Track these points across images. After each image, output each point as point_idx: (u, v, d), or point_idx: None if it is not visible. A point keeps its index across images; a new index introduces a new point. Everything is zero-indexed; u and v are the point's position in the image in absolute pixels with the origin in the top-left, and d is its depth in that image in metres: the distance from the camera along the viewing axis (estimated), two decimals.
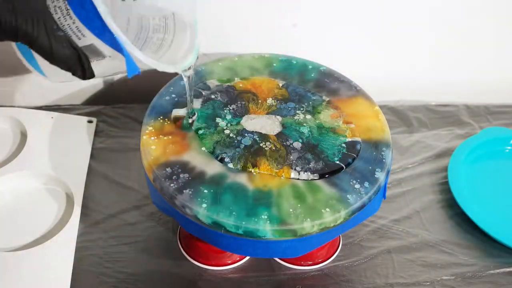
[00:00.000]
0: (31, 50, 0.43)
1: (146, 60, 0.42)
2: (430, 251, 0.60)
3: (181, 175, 0.49)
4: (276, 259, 0.58)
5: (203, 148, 0.51)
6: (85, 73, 0.44)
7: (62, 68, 0.43)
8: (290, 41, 0.75)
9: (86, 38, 0.42)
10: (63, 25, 0.41)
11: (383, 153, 0.53)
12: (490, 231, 0.61)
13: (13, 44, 0.46)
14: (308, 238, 0.47)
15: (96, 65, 0.44)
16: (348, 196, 0.48)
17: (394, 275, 0.57)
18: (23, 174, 0.63)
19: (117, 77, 0.77)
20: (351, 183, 0.49)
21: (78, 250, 0.56)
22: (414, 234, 0.62)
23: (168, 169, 0.49)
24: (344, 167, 0.51)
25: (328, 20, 0.74)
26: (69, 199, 0.62)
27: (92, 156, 0.67)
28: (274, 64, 0.62)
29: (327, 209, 0.47)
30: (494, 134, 0.73)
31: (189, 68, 0.49)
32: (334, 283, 0.56)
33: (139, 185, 0.63)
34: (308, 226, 0.46)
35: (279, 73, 0.61)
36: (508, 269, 0.59)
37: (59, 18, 0.41)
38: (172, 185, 0.48)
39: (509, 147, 0.73)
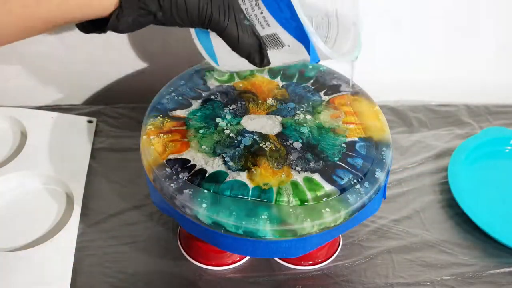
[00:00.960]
0: (210, 39, 0.46)
1: (326, 51, 0.44)
2: (430, 251, 0.60)
3: (181, 175, 0.49)
4: (276, 259, 0.58)
5: (203, 148, 0.51)
6: (263, 60, 0.46)
7: (242, 55, 0.45)
8: None
9: (270, 27, 0.44)
10: (250, 15, 0.44)
11: (383, 153, 0.52)
12: (490, 231, 0.61)
13: (192, 32, 0.48)
14: (308, 238, 0.47)
15: (273, 54, 0.46)
16: (348, 196, 0.48)
17: (394, 275, 0.57)
18: (23, 174, 0.63)
19: (117, 77, 0.77)
20: (351, 183, 0.49)
21: (78, 250, 0.56)
22: (414, 234, 0.62)
23: (168, 169, 0.49)
24: (344, 167, 0.51)
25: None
26: (69, 199, 0.62)
27: (92, 156, 0.67)
28: None
29: (327, 209, 0.47)
30: (494, 134, 0.73)
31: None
32: (334, 283, 0.56)
33: (139, 185, 0.63)
34: (308, 226, 0.46)
35: (279, 72, 0.61)
36: (508, 269, 0.59)
37: (246, 8, 0.44)
38: (172, 185, 0.48)
39: (509, 147, 0.73)
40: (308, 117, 0.56)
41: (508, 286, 0.57)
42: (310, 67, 0.62)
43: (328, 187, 0.49)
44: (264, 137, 0.53)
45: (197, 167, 0.50)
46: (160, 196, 0.49)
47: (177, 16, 0.43)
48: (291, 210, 0.47)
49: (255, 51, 0.45)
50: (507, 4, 0.76)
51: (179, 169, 0.49)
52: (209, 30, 0.45)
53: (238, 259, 0.57)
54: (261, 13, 0.44)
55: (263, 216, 0.46)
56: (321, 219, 0.47)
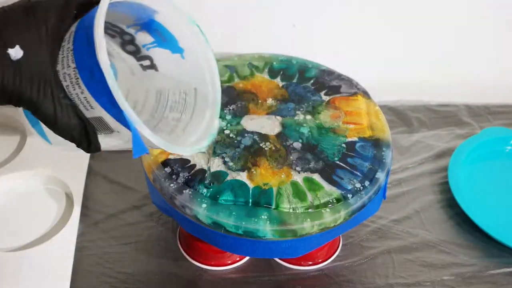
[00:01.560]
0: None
1: (157, 142, 0.38)
2: (430, 251, 0.60)
3: (181, 175, 0.49)
4: (276, 259, 0.58)
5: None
6: (91, 146, 0.40)
7: (66, 138, 0.39)
8: (290, 41, 0.75)
9: (94, 110, 0.38)
10: (71, 94, 0.38)
11: (383, 153, 0.52)
12: (490, 231, 0.61)
13: (20, 109, 0.43)
14: (308, 238, 0.47)
15: (104, 138, 0.40)
16: (348, 196, 0.48)
17: (394, 275, 0.57)
18: (23, 174, 0.63)
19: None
20: (351, 183, 0.49)
21: (78, 250, 0.56)
22: (414, 234, 0.62)
23: (168, 169, 0.49)
24: (344, 167, 0.51)
25: (328, 20, 0.74)
26: (69, 199, 0.62)
27: (92, 156, 0.67)
28: (274, 64, 0.62)
29: (327, 209, 0.47)
30: (494, 134, 0.73)
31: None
32: (334, 283, 0.56)
33: (139, 185, 0.63)
34: (308, 226, 0.46)
35: (279, 72, 0.61)
36: (508, 269, 0.59)
37: (67, 86, 0.38)
38: (171, 185, 0.48)
39: (509, 147, 0.73)
40: (308, 117, 0.56)
41: (508, 286, 0.57)
42: (310, 66, 0.62)
43: (328, 187, 0.49)
44: (264, 137, 0.53)
45: (197, 167, 0.50)
46: (160, 196, 0.49)
47: None
48: (291, 210, 0.47)
49: (79, 134, 0.39)
50: (507, 4, 0.76)
51: (179, 169, 0.49)
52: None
53: (238, 259, 0.57)
54: (82, 93, 0.37)
55: (263, 216, 0.46)
56: (321, 219, 0.47)
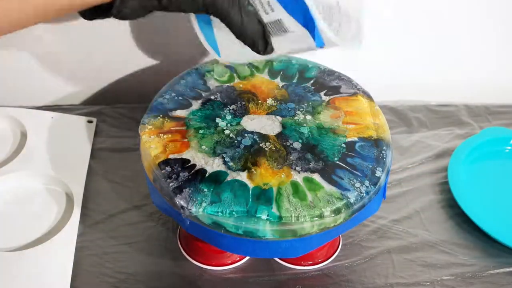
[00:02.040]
0: (212, 28, 0.46)
1: (331, 35, 0.43)
2: (430, 251, 0.60)
3: (181, 175, 0.49)
4: (276, 259, 0.58)
5: (203, 147, 0.51)
6: (267, 47, 0.45)
7: (246, 42, 0.44)
8: None
9: (274, 13, 0.43)
10: (254, 0, 0.43)
11: (383, 152, 0.52)
12: (490, 231, 0.61)
13: (194, 21, 0.47)
14: (308, 238, 0.47)
15: (276, 41, 0.45)
16: (348, 196, 0.48)
17: (394, 275, 0.57)
18: (23, 174, 0.63)
19: (117, 77, 0.77)
20: (351, 183, 0.49)
21: (78, 250, 0.56)
22: (414, 234, 0.62)
23: (168, 168, 0.49)
24: (344, 167, 0.51)
25: None
26: (69, 199, 0.62)
27: (92, 156, 0.67)
28: (274, 64, 0.62)
29: (327, 209, 0.47)
30: (494, 134, 0.73)
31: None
32: (334, 283, 0.56)
33: (139, 185, 0.63)
34: (308, 226, 0.46)
35: (279, 72, 0.61)
36: (508, 269, 0.59)
37: None
38: (171, 184, 0.48)
39: (509, 147, 0.73)
40: (308, 117, 0.56)
41: (508, 286, 0.57)
42: (310, 66, 0.62)
43: (328, 187, 0.49)
44: (264, 137, 0.53)
45: (197, 167, 0.50)
46: (160, 196, 0.49)
47: (182, 1, 0.42)
48: (291, 210, 0.47)
49: (259, 37, 0.44)
50: (507, 4, 0.76)
51: (179, 169, 0.49)
52: (211, 17, 0.44)
53: (238, 259, 0.57)
54: None
55: (263, 216, 0.46)
56: (321, 219, 0.47)
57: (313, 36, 0.43)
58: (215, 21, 0.44)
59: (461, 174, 0.67)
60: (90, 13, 0.44)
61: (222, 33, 0.45)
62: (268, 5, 0.43)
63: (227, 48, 0.48)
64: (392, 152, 0.54)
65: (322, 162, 0.51)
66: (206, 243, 0.51)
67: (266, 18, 0.44)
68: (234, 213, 0.46)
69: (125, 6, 0.42)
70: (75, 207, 0.60)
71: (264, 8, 0.43)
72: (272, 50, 0.46)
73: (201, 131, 0.53)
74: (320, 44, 0.44)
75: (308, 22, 0.43)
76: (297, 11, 0.43)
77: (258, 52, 0.46)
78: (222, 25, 0.44)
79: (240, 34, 0.44)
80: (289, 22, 0.43)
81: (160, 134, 0.53)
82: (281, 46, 0.46)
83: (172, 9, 0.43)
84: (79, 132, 0.69)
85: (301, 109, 0.57)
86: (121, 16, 0.43)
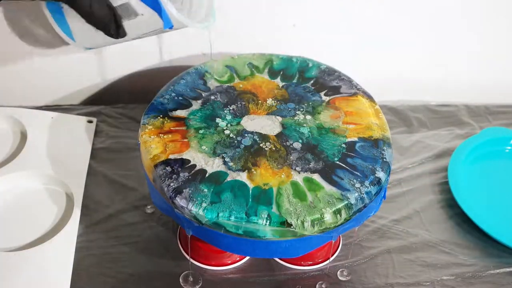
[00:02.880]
0: (64, 14, 0.46)
1: (178, 16, 0.46)
2: (430, 251, 0.60)
3: (181, 175, 0.49)
4: (276, 259, 0.58)
5: (203, 148, 0.52)
6: (119, 30, 0.47)
7: (97, 27, 0.46)
8: (290, 40, 0.75)
9: None
10: None
11: (383, 152, 0.52)
12: (490, 231, 0.61)
13: (45, 9, 0.48)
14: (308, 238, 0.47)
15: (128, 24, 0.47)
16: (348, 196, 0.48)
17: (394, 275, 0.57)
18: (23, 174, 0.63)
19: (117, 77, 0.77)
20: (351, 183, 0.49)
21: (78, 250, 0.56)
22: (414, 234, 0.62)
23: (168, 168, 0.49)
24: (344, 167, 0.51)
25: (328, 20, 0.74)
26: (69, 199, 0.62)
27: (92, 156, 0.67)
28: (274, 63, 0.63)
29: (327, 209, 0.47)
30: (494, 134, 0.73)
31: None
32: (334, 283, 0.56)
33: (139, 185, 0.63)
34: (308, 226, 0.46)
35: (279, 72, 0.61)
36: (508, 269, 0.59)
37: None
38: (171, 184, 0.48)
39: (509, 147, 0.73)
40: (308, 117, 0.56)
41: (508, 286, 0.57)
42: (310, 65, 0.62)
43: (328, 188, 0.49)
44: (264, 137, 0.53)
45: (197, 167, 0.50)
46: (160, 196, 0.49)
47: None
48: (291, 210, 0.47)
49: (110, 21, 0.45)
50: (506, 4, 0.76)
51: (179, 169, 0.49)
52: (61, 3, 0.45)
53: (238, 259, 0.57)
54: None
55: (263, 216, 0.46)
56: (321, 219, 0.47)
57: (162, 17, 0.45)
58: (66, 6, 0.45)
59: (461, 174, 0.67)
60: None
61: (73, 19, 0.46)
62: None
63: (81, 34, 0.49)
64: (392, 152, 0.54)
65: (322, 162, 0.51)
66: (206, 243, 0.51)
67: (115, 2, 0.45)
68: (234, 213, 0.46)
69: None
70: (75, 207, 0.60)
71: None
72: (124, 33, 0.47)
73: (201, 131, 0.53)
74: (168, 26, 0.46)
75: (154, 5, 0.45)
76: None
77: (112, 36, 0.47)
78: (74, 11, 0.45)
79: (90, 19, 0.45)
80: (138, 5, 0.46)
81: (160, 134, 0.53)
82: (133, 29, 0.48)
83: None
84: (79, 132, 0.69)
85: (301, 109, 0.57)
86: None
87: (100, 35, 0.47)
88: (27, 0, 0.45)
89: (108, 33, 0.47)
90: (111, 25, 0.46)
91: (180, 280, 0.55)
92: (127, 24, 0.47)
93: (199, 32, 0.72)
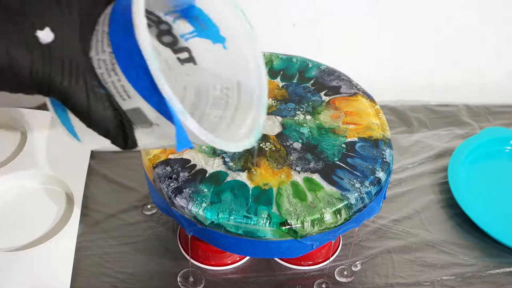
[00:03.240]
0: (66, 109, 0.35)
1: (201, 134, 0.33)
2: (430, 251, 0.60)
3: (181, 175, 0.49)
4: (276, 259, 0.58)
5: (203, 147, 0.52)
6: (128, 140, 0.36)
7: (99, 133, 0.35)
8: (290, 40, 0.75)
9: (131, 99, 0.33)
10: (106, 82, 0.33)
11: (383, 152, 0.52)
12: (490, 231, 0.61)
13: (48, 103, 0.38)
14: (308, 238, 0.47)
15: (140, 134, 0.36)
16: (348, 196, 0.48)
17: (394, 275, 0.57)
18: (23, 174, 0.63)
19: None
20: (351, 183, 0.49)
21: (78, 250, 0.56)
22: (414, 234, 0.62)
23: (168, 168, 0.49)
24: (344, 167, 0.51)
25: (329, 20, 0.74)
26: (69, 199, 0.62)
27: (92, 156, 0.67)
28: (274, 62, 0.62)
29: (327, 210, 0.47)
30: (494, 134, 0.73)
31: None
32: (334, 283, 0.56)
33: (139, 185, 0.63)
34: (308, 226, 0.46)
35: (279, 72, 0.61)
36: (508, 269, 0.59)
37: (102, 73, 0.33)
38: (171, 184, 0.48)
39: (509, 147, 0.73)
40: (308, 117, 0.56)
41: (508, 286, 0.57)
42: (310, 65, 0.62)
43: (328, 188, 0.49)
44: (264, 137, 0.53)
45: (197, 167, 0.50)
46: (160, 196, 0.49)
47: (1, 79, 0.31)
48: (291, 210, 0.47)
49: (115, 128, 0.35)
50: (507, 4, 0.76)
51: (179, 169, 0.49)
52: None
53: (238, 259, 0.57)
54: (119, 80, 0.33)
55: (263, 216, 0.46)
56: (321, 219, 0.47)
57: (176, 136, 0.33)
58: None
59: (461, 174, 0.67)
60: None
61: (75, 118, 0.35)
62: (123, 90, 0.33)
63: (85, 135, 0.38)
64: (393, 152, 0.54)
65: (322, 162, 0.51)
66: (206, 243, 0.51)
67: (124, 105, 0.34)
68: (234, 213, 0.46)
69: None
70: (75, 207, 0.60)
71: (119, 93, 0.33)
72: (134, 144, 0.36)
73: None
74: (183, 147, 0.33)
75: (170, 117, 0.32)
76: (154, 102, 0.32)
77: (118, 146, 0.36)
78: None
79: (89, 122, 0.34)
80: (151, 113, 0.33)
81: None
82: (147, 141, 0.36)
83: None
84: None
85: (301, 109, 0.57)
86: None
87: (105, 141, 0.36)
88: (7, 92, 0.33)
89: (113, 141, 0.36)
90: (117, 133, 0.35)
91: (178, 279, 0.55)
92: (139, 133, 0.35)
93: None
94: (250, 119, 0.40)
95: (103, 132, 0.35)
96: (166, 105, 0.31)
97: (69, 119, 0.37)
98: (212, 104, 0.41)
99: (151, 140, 0.36)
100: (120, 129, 0.35)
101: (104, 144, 0.36)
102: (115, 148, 0.37)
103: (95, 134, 0.35)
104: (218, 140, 0.35)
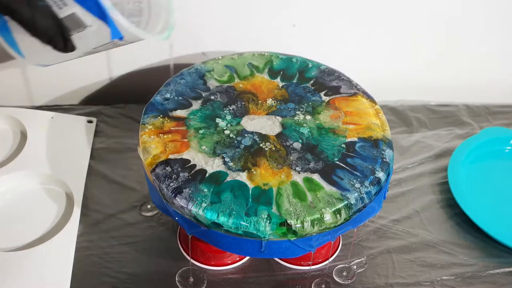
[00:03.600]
0: (10, 29, 0.43)
1: (126, 24, 0.42)
2: (430, 251, 0.60)
3: (181, 175, 0.49)
4: (276, 259, 0.58)
5: (203, 148, 0.52)
6: (67, 44, 0.43)
7: (43, 40, 0.42)
8: (290, 40, 0.75)
9: (67, 7, 0.42)
10: None
11: (383, 152, 0.52)
12: (490, 231, 0.61)
13: None
14: (308, 238, 0.47)
15: (76, 38, 0.44)
16: (348, 196, 0.48)
17: (394, 275, 0.57)
18: (23, 174, 0.63)
19: (117, 77, 0.77)
20: (351, 183, 0.49)
21: (78, 250, 0.56)
22: (414, 234, 0.62)
23: (168, 168, 0.49)
24: (344, 167, 0.51)
25: (329, 19, 0.74)
26: (69, 199, 0.62)
27: (92, 156, 0.67)
28: (274, 62, 0.62)
29: (327, 210, 0.47)
30: (494, 134, 0.73)
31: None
32: (334, 283, 0.56)
33: (139, 185, 0.63)
34: (308, 226, 0.46)
35: (279, 72, 0.61)
36: (508, 269, 0.59)
37: None
38: (171, 184, 0.48)
39: (509, 147, 0.73)
40: (308, 117, 0.56)
41: (508, 286, 0.57)
42: (311, 65, 0.62)
43: (328, 188, 0.49)
44: (264, 137, 0.53)
45: (197, 167, 0.50)
46: (160, 196, 0.49)
47: None
48: (291, 210, 0.47)
49: (56, 34, 0.42)
50: (506, 4, 0.76)
51: (179, 169, 0.49)
52: (5, 17, 0.42)
53: (238, 259, 0.57)
54: None
55: (263, 216, 0.46)
56: (321, 219, 0.47)
57: (110, 28, 0.43)
58: (10, 20, 0.43)
59: (461, 174, 0.67)
60: None
61: (19, 33, 0.44)
62: (60, 0, 0.42)
63: (28, 49, 0.46)
64: (393, 152, 0.54)
65: (322, 162, 0.51)
66: (206, 243, 0.51)
67: (61, 14, 0.42)
68: (234, 213, 0.46)
69: None
70: (75, 207, 0.60)
71: (56, 2, 0.42)
72: (73, 47, 0.44)
73: (201, 131, 0.53)
74: (117, 36, 0.43)
75: (102, 15, 0.42)
76: (88, 4, 0.42)
77: (60, 50, 0.43)
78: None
79: (34, 31, 0.41)
80: (85, 15, 0.42)
81: (160, 134, 0.53)
82: (83, 42, 0.45)
83: None
84: (79, 132, 0.69)
85: (301, 109, 0.57)
86: None
87: (48, 51, 0.44)
88: None
89: (55, 46, 0.43)
90: (58, 38, 0.42)
91: (177, 278, 0.55)
92: (76, 37, 0.44)
93: (199, 32, 0.73)
94: (161, 24, 0.51)
95: (46, 39, 0.42)
96: (99, 5, 0.41)
97: (13, 38, 0.45)
98: (127, 15, 0.51)
99: (86, 41, 0.44)
100: (59, 35, 0.42)
101: (44, 55, 0.44)
102: (55, 58, 0.45)
103: (37, 45, 0.42)
104: (140, 31, 0.44)
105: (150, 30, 0.51)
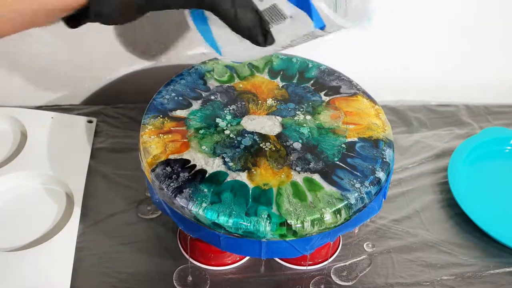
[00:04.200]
0: (208, 24, 0.43)
1: (329, 12, 0.41)
2: (430, 251, 0.60)
3: (181, 175, 0.49)
4: (276, 259, 0.58)
5: (203, 148, 0.52)
6: (267, 37, 0.42)
7: (243, 35, 0.42)
8: None
9: None
10: None
11: (384, 152, 0.52)
12: (490, 231, 0.61)
13: (189, 19, 0.45)
14: (308, 238, 0.47)
15: (276, 30, 0.42)
16: (348, 196, 0.48)
17: (394, 275, 0.57)
18: (23, 174, 0.63)
19: (117, 77, 0.77)
20: (351, 183, 0.49)
21: (78, 250, 0.56)
22: (414, 234, 0.62)
23: (168, 169, 0.49)
24: (344, 167, 0.51)
25: None
26: (69, 199, 0.62)
27: (92, 156, 0.67)
28: (274, 63, 0.63)
29: (327, 210, 0.47)
30: (494, 134, 0.73)
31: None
32: (334, 283, 0.56)
33: (139, 185, 0.63)
34: (308, 226, 0.46)
35: (279, 73, 0.61)
36: (508, 269, 0.59)
37: None
38: (171, 184, 0.48)
39: (509, 147, 0.73)
40: (308, 117, 0.56)
41: (508, 286, 0.57)
42: (310, 66, 0.62)
43: (328, 188, 0.49)
44: (264, 137, 0.53)
45: (197, 168, 0.50)
46: (160, 196, 0.49)
47: None
48: (291, 210, 0.47)
49: (256, 27, 0.41)
50: (507, 5, 0.76)
51: (179, 169, 0.49)
52: (206, 13, 0.43)
53: (238, 259, 0.57)
54: None
55: (263, 216, 0.46)
56: (321, 219, 0.47)
57: (311, 17, 0.40)
58: (211, 16, 0.42)
59: (461, 174, 0.67)
60: (72, 20, 0.42)
61: (219, 29, 0.43)
62: None
63: (226, 44, 0.46)
64: (393, 152, 0.54)
65: (322, 162, 0.51)
66: (206, 243, 0.51)
67: (260, 6, 0.41)
68: (234, 213, 0.46)
69: (102, 5, 0.40)
70: (75, 207, 0.60)
71: None
72: (273, 40, 0.43)
73: (201, 131, 0.53)
74: (320, 25, 0.41)
75: (303, 4, 0.40)
76: None
77: (259, 44, 0.42)
78: (218, 20, 0.42)
79: (235, 26, 0.41)
80: (285, 6, 0.41)
81: (160, 134, 0.53)
82: (282, 35, 0.43)
83: (157, 6, 0.41)
84: (79, 132, 0.69)
85: (301, 109, 0.57)
86: (104, 20, 0.41)
87: (246, 46, 0.43)
88: (172, 9, 0.41)
89: (254, 40, 0.42)
90: (258, 32, 0.41)
91: (174, 276, 0.55)
92: (275, 29, 0.42)
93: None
94: (359, 7, 0.49)
95: (246, 33, 0.41)
96: None
97: (210, 31, 0.45)
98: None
99: (285, 33, 0.43)
100: (259, 27, 0.41)
101: (241, 51, 0.44)
102: (251, 54, 0.45)
103: (235, 39, 0.42)
104: (344, 20, 0.43)
105: (350, 19, 0.47)
